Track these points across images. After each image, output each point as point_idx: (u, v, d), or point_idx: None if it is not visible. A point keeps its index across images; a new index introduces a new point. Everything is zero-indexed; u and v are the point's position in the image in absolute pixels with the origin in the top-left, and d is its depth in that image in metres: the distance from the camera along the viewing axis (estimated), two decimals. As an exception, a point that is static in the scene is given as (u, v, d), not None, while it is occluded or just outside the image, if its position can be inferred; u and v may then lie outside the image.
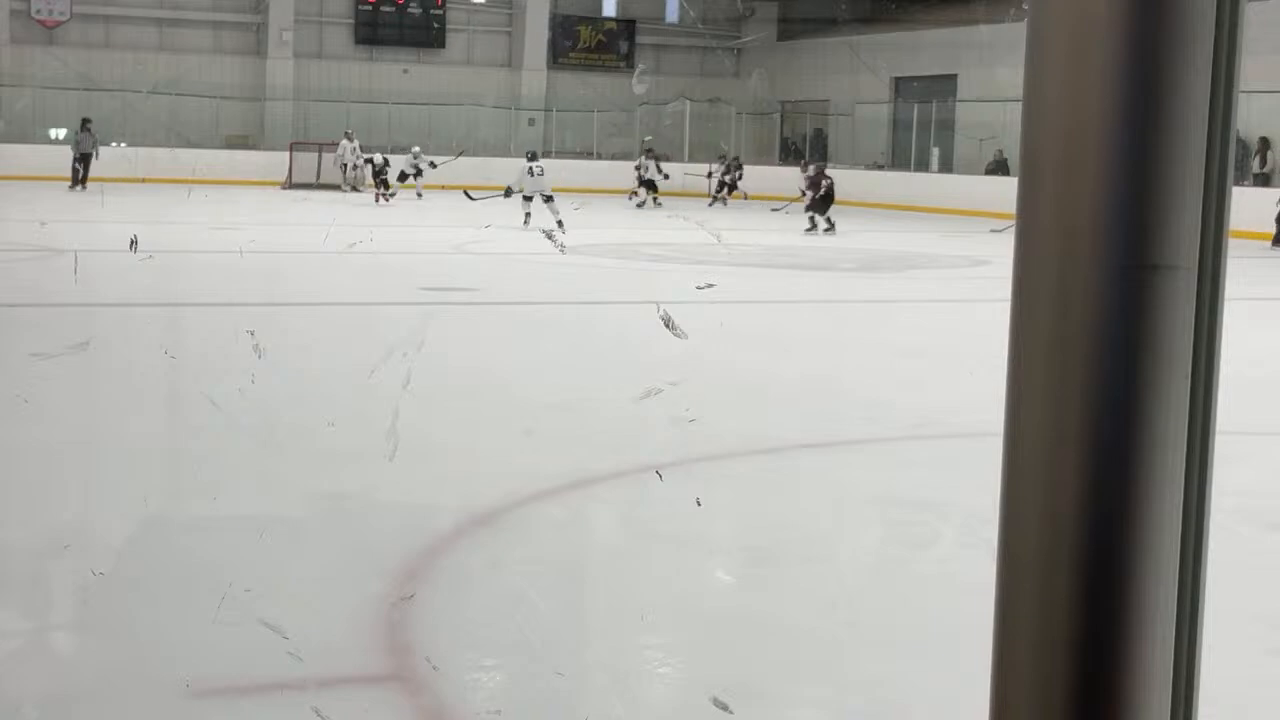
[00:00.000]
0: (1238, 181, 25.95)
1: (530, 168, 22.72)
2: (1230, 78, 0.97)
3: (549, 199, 22.22)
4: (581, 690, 4.49)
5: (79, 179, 30.33)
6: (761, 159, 38.70)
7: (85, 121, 31.63)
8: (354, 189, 33.44)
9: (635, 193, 32.59)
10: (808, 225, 24.50)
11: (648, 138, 33.14)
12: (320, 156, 34.51)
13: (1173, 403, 0.96)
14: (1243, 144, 27.88)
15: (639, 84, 41.75)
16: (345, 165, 33.94)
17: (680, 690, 4.62)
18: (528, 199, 22.43)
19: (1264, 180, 27.20)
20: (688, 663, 4.85)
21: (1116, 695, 0.96)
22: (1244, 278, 16.94)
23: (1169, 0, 0.94)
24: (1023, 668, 0.98)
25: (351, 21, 41.27)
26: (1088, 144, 0.95)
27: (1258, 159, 28.07)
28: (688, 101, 40.58)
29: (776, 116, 42.75)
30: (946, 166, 35.39)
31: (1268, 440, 8.13)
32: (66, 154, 30.24)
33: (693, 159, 37.79)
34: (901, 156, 37.05)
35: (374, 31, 41.22)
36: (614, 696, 4.50)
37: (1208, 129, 0.96)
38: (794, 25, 42.40)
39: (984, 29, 33.12)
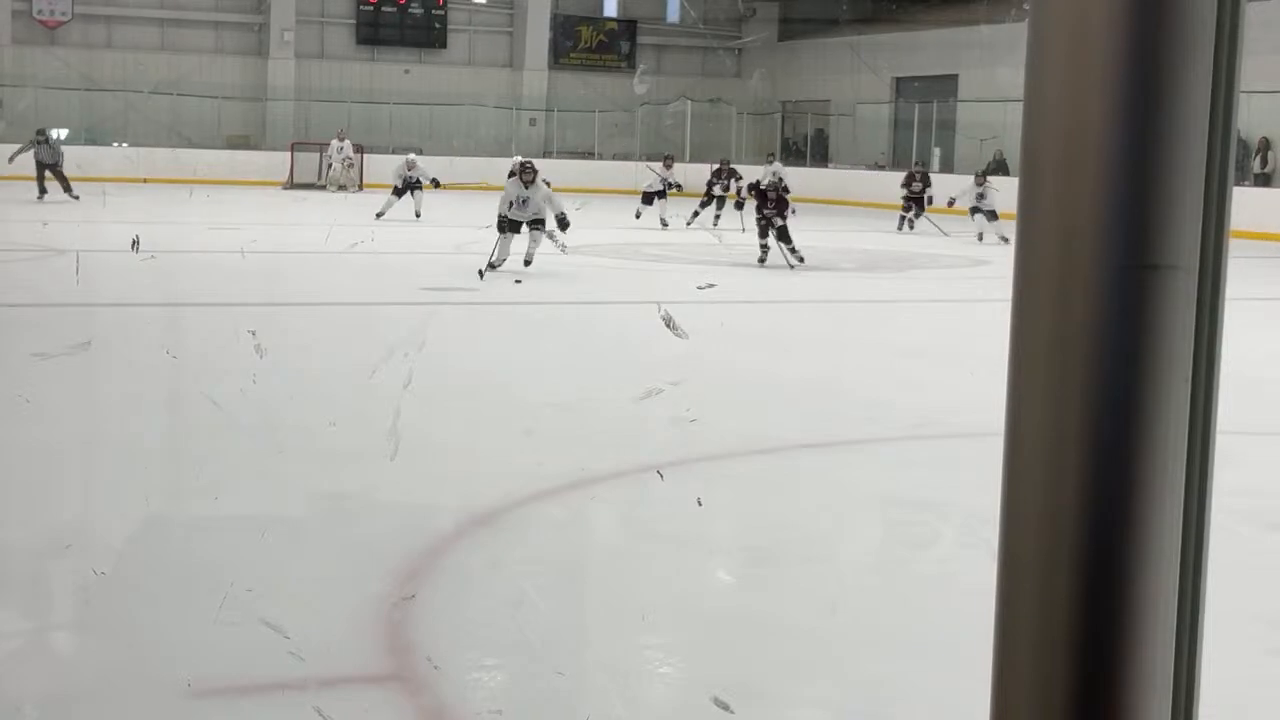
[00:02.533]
0: (1238, 181, 25.95)
1: (408, 160, 25.52)
2: (1231, 78, 0.97)
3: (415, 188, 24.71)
4: (582, 690, 4.49)
5: (46, 187, 26.72)
6: (762, 159, 38.69)
7: (40, 133, 27.81)
8: (341, 188, 33.36)
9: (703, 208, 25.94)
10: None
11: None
12: (322, 157, 34.53)
13: (1173, 403, 0.96)
14: (1243, 144, 27.88)
15: (640, 84, 41.76)
16: (331, 165, 33.88)
17: (681, 690, 4.62)
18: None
19: (1265, 180, 27.21)
20: (688, 663, 4.85)
21: (1117, 696, 0.96)
22: (1244, 278, 16.92)
23: (1169, 1, 0.94)
24: (1023, 668, 0.98)
25: (353, 22, 41.28)
26: (1088, 144, 0.95)
27: (1258, 159, 28.08)
28: (689, 102, 40.58)
29: (777, 117, 42.76)
30: (948, 166, 35.37)
31: (1268, 440, 8.13)
32: (66, 155, 28.83)
33: (694, 159, 37.77)
34: (902, 156, 37.03)
35: (375, 32, 41.24)
36: (614, 696, 4.49)
37: (1208, 129, 0.96)
38: (795, 25, 42.40)
39: (985, 29, 33.13)
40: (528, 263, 16.12)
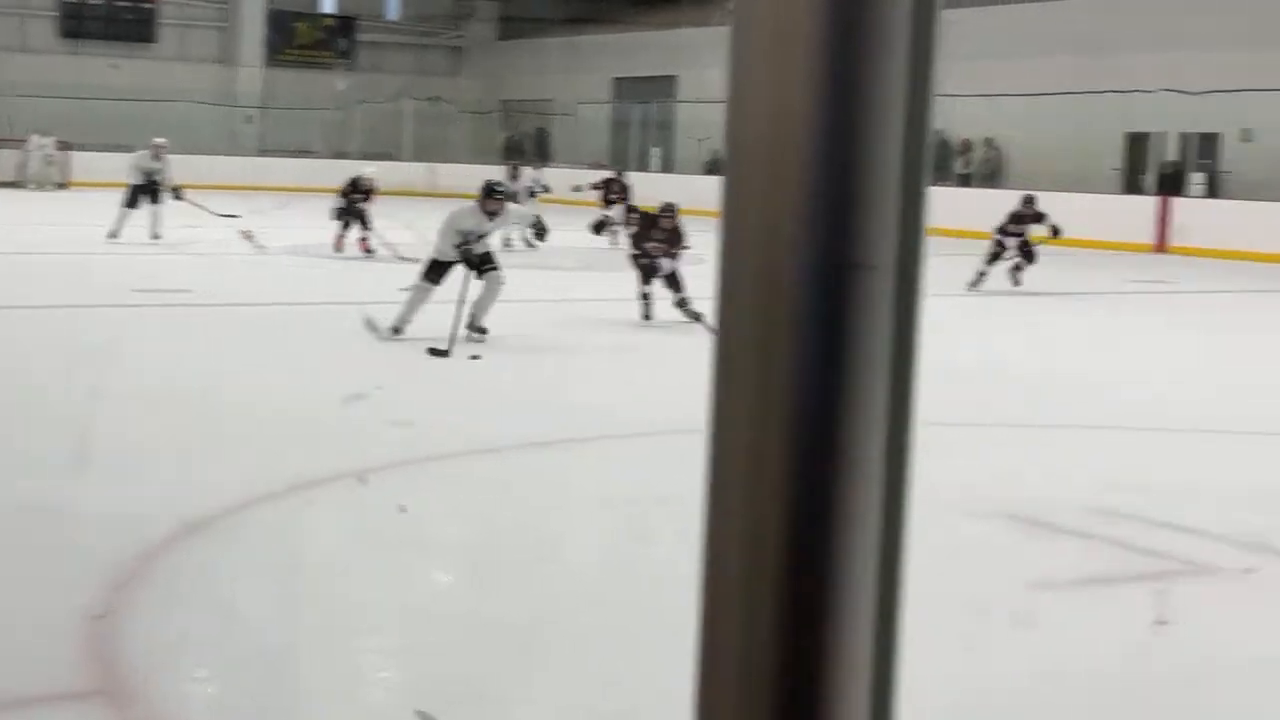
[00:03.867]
0: (941, 181, 26.99)
1: (154, 147, 20.17)
2: (925, 82, 0.99)
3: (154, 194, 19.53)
4: (298, 696, 4.40)
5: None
6: (482, 158, 38.60)
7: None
8: (40, 187, 32.12)
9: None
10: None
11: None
12: (22, 154, 33.23)
13: (873, 400, 0.98)
14: (946, 145, 29.01)
15: (341, 81, 40.97)
16: (30, 162, 32.66)
17: (400, 694, 4.57)
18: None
19: (965, 180, 28.32)
20: (409, 667, 4.79)
21: (819, 687, 0.97)
22: (950, 273, 17.49)
23: (866, 4, 0.95)
24: (728, 660, 0.99)
25: (55, 14, 39.72)
26: (788, 145, 0.96)
27: (960, 160, 29.24)
28: (408, 100, 40.24)
29: (497, 115, 42.73)
30: (668, 166, 35.87)
31: (972, 431, 8.45)
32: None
33: (417, 158, 37.43)
34: (623, 156, 37.41)
35: (79, 24, 39.75)
36: (333, 702, 4.42)
37: (904, 131, 0.98)
38: (515, 24, 42.45)
39: (702, 30, 33.67)
40: (483, 331, 11.38)
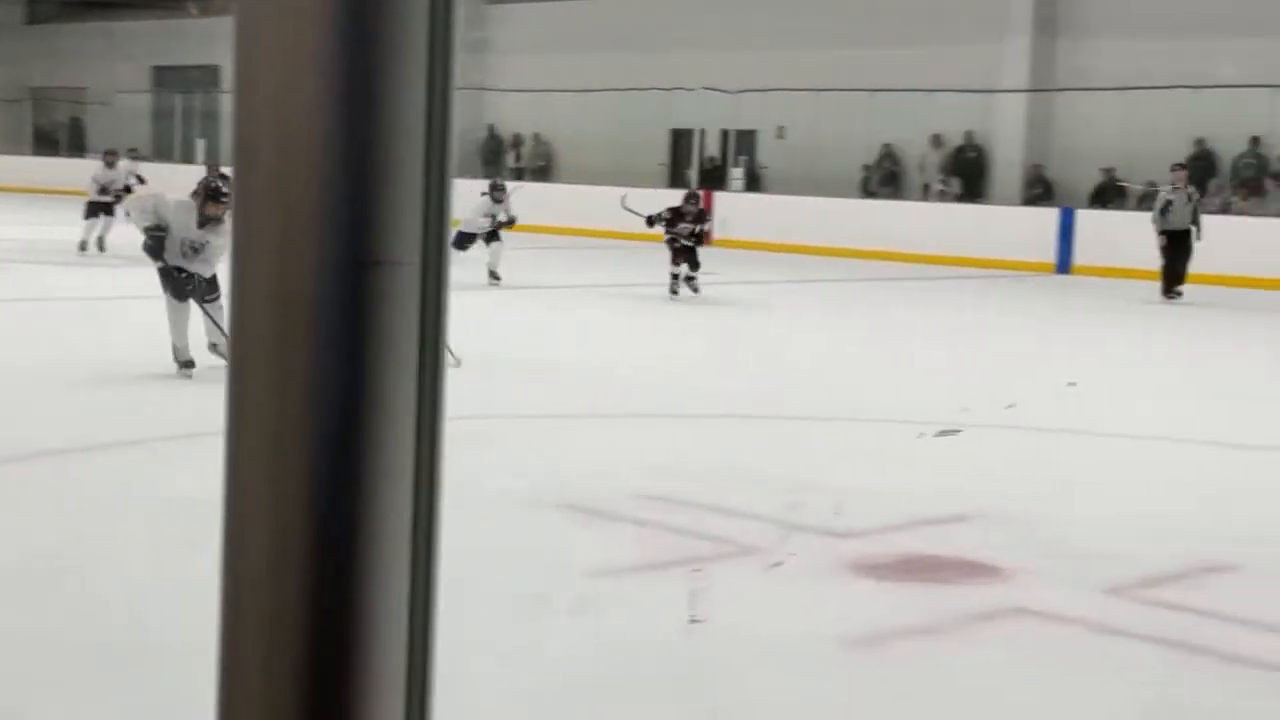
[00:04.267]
0: (496, 174, 27.32)
1: None
2: (446, 75, 0.97)
3: None
4: None
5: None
6: (13, 149, 36.60)
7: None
8: None
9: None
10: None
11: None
12: None
13: (399, 396, 0.96)
14: (497, 139, 29.41)
15: None
16: None
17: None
18: None
19: (518, 175, 28.74)
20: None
21: (346, 695, 0.95)
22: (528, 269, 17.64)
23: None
24: (252, 671, 0.96)
25: None
26: (304, 140, 0.93)
27: (512, 154, 29.69)
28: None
29: (27, 104, 40.52)
30: (214, 157, 34.88)
31: (521, 423, 8.55)
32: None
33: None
34: (165, 147, 36.16)
35: None
36: None
37: (426, 126, 0.96)
38: (45, 8, 40.36)
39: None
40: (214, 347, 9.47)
